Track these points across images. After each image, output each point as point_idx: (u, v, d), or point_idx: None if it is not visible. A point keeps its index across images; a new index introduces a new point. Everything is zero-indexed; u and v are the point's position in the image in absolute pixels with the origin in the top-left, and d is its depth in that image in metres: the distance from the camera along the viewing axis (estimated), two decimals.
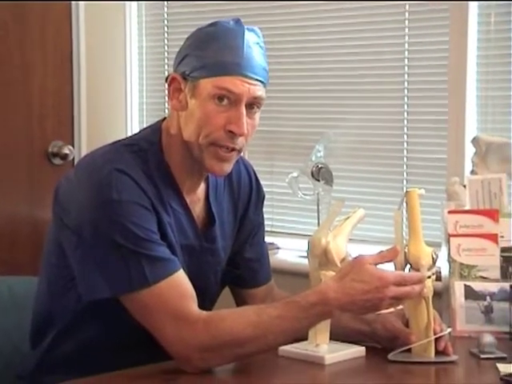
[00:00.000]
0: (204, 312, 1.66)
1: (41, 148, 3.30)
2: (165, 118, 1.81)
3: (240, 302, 1.94)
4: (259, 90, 1.71)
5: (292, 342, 1.73)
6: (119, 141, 1.79)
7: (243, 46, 1.70)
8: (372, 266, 1.64)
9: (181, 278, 1.67)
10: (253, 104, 1.72)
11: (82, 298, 1.70)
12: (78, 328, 1.76)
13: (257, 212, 1.93)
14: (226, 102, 1.69)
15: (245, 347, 1.63)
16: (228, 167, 1.74)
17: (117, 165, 1.67)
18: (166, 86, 1.75)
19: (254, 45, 1.72)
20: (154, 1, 3.41)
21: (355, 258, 1.67)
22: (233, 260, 1.90)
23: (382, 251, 1.70)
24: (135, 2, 3.44)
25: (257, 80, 1.71)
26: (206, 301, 1.84)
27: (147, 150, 1.74)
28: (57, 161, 3.30)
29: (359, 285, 1.62)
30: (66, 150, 3.31)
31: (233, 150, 1.72)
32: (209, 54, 1.69)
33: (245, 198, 1.91)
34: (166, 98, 1.81)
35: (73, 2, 3.34)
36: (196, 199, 1.81)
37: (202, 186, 1.82)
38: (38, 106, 3.29)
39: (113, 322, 1.73)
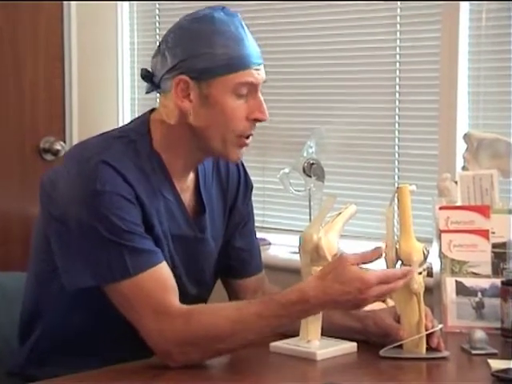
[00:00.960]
0: (184, 306, 1.67)
1: (32, 144, 3.29)
2: (153, 109, 1.81)
3: (231, 292, 1.94)
4: (264, 73, 1.77)
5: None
6: (109, 132, 1.80)
7: (246, 36, 1.73)
8: (354, 268, 1.62)
9: (163, 270, 1.68)
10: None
11: (65, 287, 1.70)
12: (64, 320, 1.76)
13: (245, 202, 1.94)
14: (244, 93, 1.72)
15: (225, 342, 1.64)
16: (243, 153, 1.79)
17: (104, 157, 1.68)
18: (173, 88, 1.71)
19: (247, 29, 1.75)
20: (145, 0, 3.41)
21: (338, 257, 1.67)
22: (223, 250, 1.91)
23: (365, 251, 1.68)
24: (127, 2, 3.44)
25: (261, 64, 1.76)
26: (203, 289, 1.85)
27: (137, 140, 1.75)
28: (48, 156, 3.29)
29: (340, 286, 1.61)
30: (57, 146, 3.30)
31: (251, 135, 1.77)
32: (218, 51, 1.70)
33: (233, 188, 1.92)
34: (158, 94, 1.80)
35: (65, 2, 3.33)
36: (186, 187, 1.82)
37: (192, 175, 1.83)
38: (30, 102, 3.29)
39: (98, 313, 1.73)
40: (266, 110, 1.75)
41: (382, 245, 1.73)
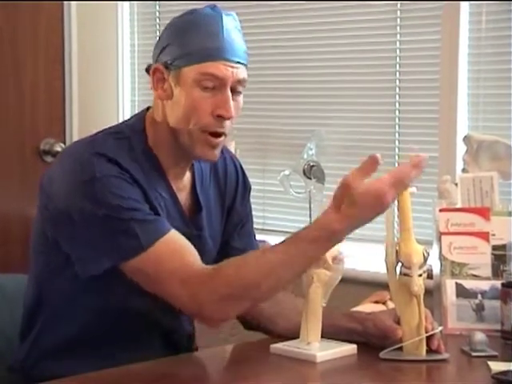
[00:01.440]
0: (208, 266, 1.66)
1: (32, 145, 3.29)
2: (149, 107, 1.82)
3: None
4: (242, 73, 1.74)
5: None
6: (104, 130, 1.80)
7: (223, 31, 1.72)
8: (361, 187, 1.59)
9: (175, 236, 1.67)
10: (236, 87, 1.74)
11: (79, 276, 1.69)
12: (64, 317, 1.76)
13: (244, 203, 1.94)
14: (211, 87, 1.71)
15: (258, 288, 1.63)
16: (218, 153, 1.77)
17: (99, 149, 1.69)
18: (149, 76, 1.76)
19: (232, 29, 1.74)
20: (146, 0, 3.41)
21: (341, 184, 1.62)
22: (222, 251, 1.91)
23: (362, 164, 1.64)
24: (127, 2, 3.44)
25: (239, 63, 1.73)
26: None
27: (131, 137, 1.75)
28: (48, 158, 3.29)
29: (358, 210, 1.59)
30: (57, 148, 3.30)
31: (221, 134, 1.74)
32: (189, 42, 1.70)
33: (231, 189, 1.92)
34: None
35: (65, 2, 3.34)
36: (182, 186, 1.82)
37: (188, 175, 1.83)
38: (30, 104, 3.29)
39: (99, 311, 1.73)
40: (231, 107, 1.71)
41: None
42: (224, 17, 1.74)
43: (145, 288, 1.67)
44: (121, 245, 1.64)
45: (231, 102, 1.72)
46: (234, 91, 1.73)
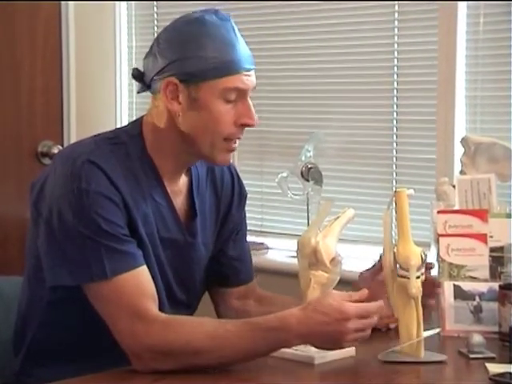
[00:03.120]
0: (163, 314, 1.66)
1: (30, 148, 3.29)
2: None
3: (218, 300, 1.95)
4: (254, 78, 1.75)
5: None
6: (102, 134, 1.80)
7: (237, 40, 1.73)
8: (335, 300, 1.61)
9: (142, 275, 1.67)
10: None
11: (46, 284, 1.70)
12: (57, 320, 1.76)
13: (239, 210, 1.94)
14: (233, 98, 1.72)
15: (199, 357, 1.62)
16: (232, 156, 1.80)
17: (91, 156, 1.68)
18: (162, 90, 1.71)
19: (239, 34, 1.75)
20: (143, 1, 3.41)
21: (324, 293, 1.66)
22: (216, 258, 1.91)
23: (351, 293, 1.67)
24: (125, 2, 3.44)
25: (252, 69, 1.75)
26: (192, 296, 1.85)
27: (127, 142, 1.75)
28: (46, 161, 3.29)
29: (320, 316, 1.60)
30: (55, 150, 3.30)
31: (239, 138, 1.76)
32: (208, 55, 1.69)
33: (227, 195, 1.92)
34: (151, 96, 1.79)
35: (62, 2, 3.33)
36: (178, 191, 1.81)
37: (185, 179, 1.83)
38: (27, 106, 3.29)
39: (89, 318, 1.71)
40: (254, 115, 1.74)
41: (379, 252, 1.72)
42: (232, 22, 1.74)
43: (97, 311, 1.67)
44: (88, 266, 1.64)
45: (253, 110, 1.74)
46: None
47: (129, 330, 1.63)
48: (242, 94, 1.72)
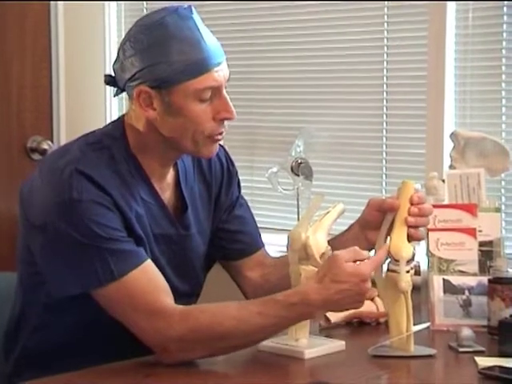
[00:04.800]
0: (180, 306, 1.66)
1: (19, 143, 3.28)
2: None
3: (234, 274, 1.95)
4: (227, 69, 1.73)
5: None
6: (82, 137, 1.78)
7: (202, 37, 1.69)
8: (348, 264, 1.63)
9: (149, 269, 1.67)
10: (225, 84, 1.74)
11: (52, 294, 1.70)
12: (50, 323, 1.75)
13: (231, 189, 1.94)
14: (208, 96, 1.70)
15: (224, 341, 1.63)
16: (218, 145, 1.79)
17: (78, 165, 1.67)
18: (135, 99, 1.70)
19: (202, 26, 1.71)
20: (133, 0, 3.40)
21: (331, 257, 1.66)
22: (217, 236, 1.92)
23: (356, 247, 1.68)
24: (114, 2, 3.43)
25: (223, 61, 1.72)
26: (193, 284, 1.86)
27: (111, 145, 1.74)
28: (36, 156, 3.28)
29: (338, 285, 1.61)
30: (44, 145, 3.29)
31: (222, 132, 1.75)
32: (174, 59, 1.66)
33: (218, 177, 1.92)
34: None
35: (52, 2, 3.32)
36: (166, 186, 1.81)
37: (172, 173, 1.83)
38: (17, 101, 3.28)
39: (82, 321, 1.73)
40: (232, 108, 1.71)
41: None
42: (195, 19, 1.70)
43: (113, 316, 1.66)
44: (93, 272, 1.63)
45: (230, 103, 1.72)
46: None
47: (150, 328, 1.63)
48: (216, 90, 1.70)
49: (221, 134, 1.74)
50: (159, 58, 1.67)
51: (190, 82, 1.67)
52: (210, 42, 1.70)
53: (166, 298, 1.66)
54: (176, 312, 1.64)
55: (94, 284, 1.64)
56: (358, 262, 1.64)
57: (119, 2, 3.43)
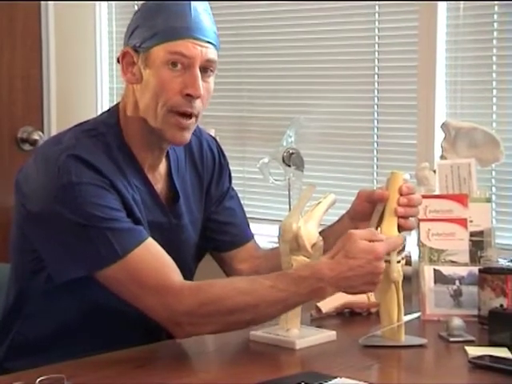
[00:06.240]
0: (188, 281, 1.66)
1: (10, 134, 3.27)
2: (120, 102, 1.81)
3: (224, 265, 1.96)
4: (211, 53, 1.73)
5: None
6: (77, 126, 1.78)
7: (191, 11, 1.71)
8: (362, 241, 1.62)
9: (152, 246, 1.67)
10: (206, 67, 1.73)
11: (53, 279, 1.69)
12: (45, 312, 1.75)
13: (222, 180, 1.95)
14: (179, 66, 1.70)
15: (235, 315, 1.62)
16: (188, 135, 1.75)
17: (74, 151, 1.67)
18: (119, 62, 1.75)
19: (202, 11, 1.73)
20: (124, 0, 3.39)
21: (346, 234, 1.65)
22: (208, 227, 1.92)
23: (372, 229, 1.69)
24: (105, 2, 3.42)
25: (208, 42, 1.72)
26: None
27: (106, 133, 1.74)
28: (26, 146, 3.28)
29: (352, 261, 1.61)
30: (35, 136, 3.29)
31: (191, 116, 1.72)
32: (158, 23, 1.70)
33: (209, 168, 1.92)
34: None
35: (42, 2, 3.31)
36: (158, 176, 1.82)
37: (164, 163, 1.83)
38: (7, 92, 3.27)
39: (77, 308, 1.73)
40: (199, 86, 1.70)
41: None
42: (195, 3, 1.73)
43: (120, 296, 1.65)
44: (96, 253, 1.63)
45: (200, 81, 1.70)
46: (204, 72, 1.72)
47: (160, 304, 1.62)
48: (189, 62, 1.70)
49: (187, 116, 1.72)
50: (145, 22, 1.72)
51: (163, 44, 1.69)
52: (200, 19, 1.72)
53: (173, 273, 1.65)
54: (185, 287, 1.63)
55: (99, 265, 1.63)
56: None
57: (110, 2, 3.42)
